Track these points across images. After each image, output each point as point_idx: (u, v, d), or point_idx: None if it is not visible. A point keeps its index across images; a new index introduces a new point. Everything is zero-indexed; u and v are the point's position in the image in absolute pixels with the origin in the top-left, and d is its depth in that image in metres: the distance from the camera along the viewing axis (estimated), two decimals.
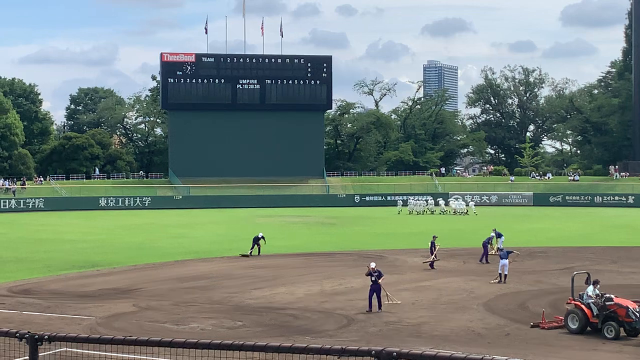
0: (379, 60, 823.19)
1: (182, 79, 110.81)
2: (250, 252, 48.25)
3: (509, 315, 29.20)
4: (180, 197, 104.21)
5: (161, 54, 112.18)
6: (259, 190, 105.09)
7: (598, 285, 27.17)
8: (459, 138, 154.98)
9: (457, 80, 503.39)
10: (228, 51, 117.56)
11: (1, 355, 9.93)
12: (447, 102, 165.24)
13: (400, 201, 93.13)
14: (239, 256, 47.78)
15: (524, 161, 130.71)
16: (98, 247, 54.20)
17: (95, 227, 71.99)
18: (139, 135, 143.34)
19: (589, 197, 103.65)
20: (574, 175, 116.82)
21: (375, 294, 29.88)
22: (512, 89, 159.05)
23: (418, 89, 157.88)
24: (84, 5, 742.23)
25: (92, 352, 11.09)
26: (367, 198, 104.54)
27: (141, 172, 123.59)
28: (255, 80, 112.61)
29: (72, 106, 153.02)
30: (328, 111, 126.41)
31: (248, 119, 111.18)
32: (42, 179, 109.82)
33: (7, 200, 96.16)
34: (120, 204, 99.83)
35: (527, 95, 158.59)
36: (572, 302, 26.82)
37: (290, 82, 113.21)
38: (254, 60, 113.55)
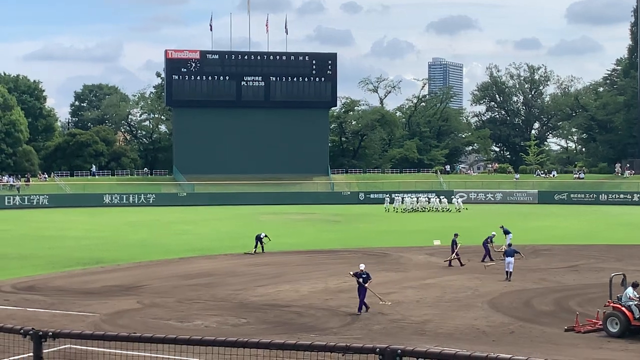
0: (384, 57, 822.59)
1: (187, 76, 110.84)
2: (255, 250, 48.25)
3: (513, 313, 29.16)
4: (185, 194, 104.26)
5: (166, 50, 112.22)
6: (263, 187, 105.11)
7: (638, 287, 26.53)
8: (463, 136, 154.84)
9: (462, 77, 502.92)
10: (233, 48, 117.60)
11: (6, 351, 9.92)
12: (452, 100, 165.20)
13: (388, 199, 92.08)
14: (242, 254, 47.74)
15: (529, 159, 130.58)
16: (102, 244, 54.24)
17: (99, 224, 72.05)
18: (144, 132, 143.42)
19: (594, 195, 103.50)
20: (579, 173, 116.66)
21: (360, 295, 29.11)
22: (517, 86, 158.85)
23: (423, 87, 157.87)
24: (88, 2, 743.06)
25: (96, 348, 11.10)
26: (372, 195, 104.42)
27: (145, 169, 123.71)
28: (260, 78, 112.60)
29: (77, 103, 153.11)
30: (333, 108, 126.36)
31: (252, 116, 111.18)
32: (46, 175, 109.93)
33: (12, 197, 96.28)
34: (124, 201, 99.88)
35: (533, 92, 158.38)
36: (611, 304, 25.94)
37: (295, 79, 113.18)
38: (258, 58, 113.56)
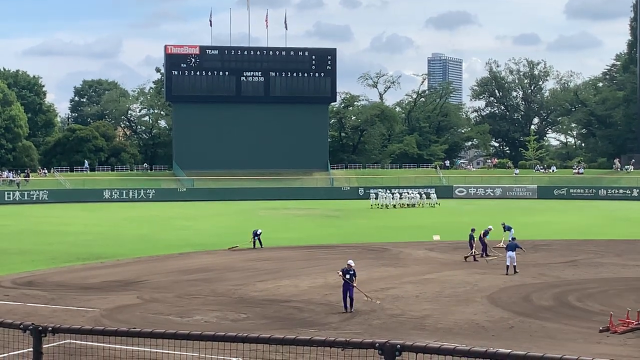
0: (383, 52, 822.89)
1: (187, 72, 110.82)
2: (254, 245, 48.25)
3: (512, 308, 29.19)
4: (184, 189, 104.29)
5: (165, 46, 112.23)
6: (263, 182, 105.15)
7: None
8: (463, 131, 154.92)
9: (462, 73, 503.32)
10: (232, 43, 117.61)
11: (5, 346, 9.95)
12: (451, 95, 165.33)
13: (374, 195, 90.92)
14: (237, 248, 47.65)
15: (528, 154, 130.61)
16: (102, 239, 54.26)
17: (99, 219, 72.08)
18: (143, 128, 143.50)
19: (594, 190, 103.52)
20: (579, 168, 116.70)
21: (347, 293, 28.63)
22: (517, 81, 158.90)
23: (422, 82, 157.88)
24: None
25: (96, 344, 11.11)
26: (372, 191, 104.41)
27: (145, 164, 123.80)
28: (260, 73, 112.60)
29: (76, 98, 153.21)
30: (332, 104, 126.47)
31: (252, 111, 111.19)
32: (46, 171, 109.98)
33: (11, 192, 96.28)
34: (124, 196, 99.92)
35: (532, 88, 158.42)
36: None
37: (295, 74, 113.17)
38: (258, 53, 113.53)
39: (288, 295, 31.75)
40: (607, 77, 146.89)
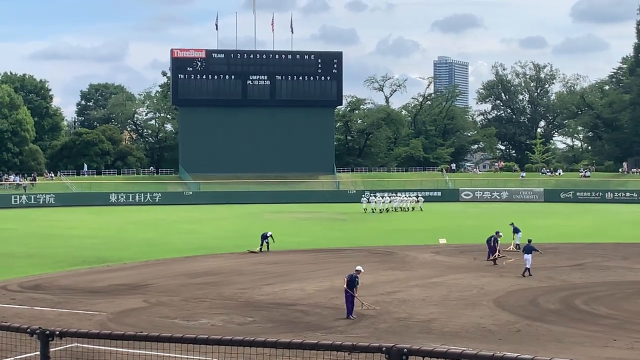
0: (389, 56, 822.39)
1: (193, 75, 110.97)
2: (260, 249, 48.27)
3: (519, 311, 29.12)
4: (191, 192, 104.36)
5: (171, 50, 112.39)
6: (269, 186, 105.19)
7: None
8: (469, 134, 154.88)
9: (468, 76, 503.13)
10: (238, 47, 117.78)
11: (13, 350, 9.95)
12: (457, 98, 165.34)
13: (366, 199, 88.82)
14: (247, 252, 47.76)
15: (534, 157, 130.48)
16: (108, 242, 54.30)
17: (105, 222, 72.16)
18: (150, 131, 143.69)
19: (600, 194, 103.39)
20: (585, 172, 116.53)
21: (349, 299, 28.34)
22: (523, 85, 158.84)
23: (428, 85, 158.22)
24: (94, 2, 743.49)
25: (103, 347, 11.13)
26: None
27: (151, 167, 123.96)
28: (266, 76, 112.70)
29: (83, 102, 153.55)
30: (338, 107, 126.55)
31: (258, 114, 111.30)
32: (52, 174, 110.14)
33: (18, 196, 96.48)
34: (130, 200, 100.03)
35: (538, 91, 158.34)
36: None
37: (301, 78, 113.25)
38: (264, 56, 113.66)
39: (294, 299, 31.72)
40: (614, 80, 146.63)
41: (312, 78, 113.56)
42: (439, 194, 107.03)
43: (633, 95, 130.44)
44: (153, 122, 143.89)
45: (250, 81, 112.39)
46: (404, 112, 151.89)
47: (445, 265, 42.01)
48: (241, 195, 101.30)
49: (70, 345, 11.32)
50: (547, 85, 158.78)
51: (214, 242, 53.84)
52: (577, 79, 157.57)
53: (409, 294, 32.75)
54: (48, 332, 7.26)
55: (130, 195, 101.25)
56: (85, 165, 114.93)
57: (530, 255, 37.78)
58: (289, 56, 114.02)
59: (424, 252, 47.94)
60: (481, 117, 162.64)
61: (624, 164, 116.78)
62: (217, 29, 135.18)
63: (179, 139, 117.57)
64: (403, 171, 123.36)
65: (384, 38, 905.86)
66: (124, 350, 16.90)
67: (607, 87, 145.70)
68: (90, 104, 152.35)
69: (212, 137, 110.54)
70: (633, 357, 22.27)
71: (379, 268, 40.31)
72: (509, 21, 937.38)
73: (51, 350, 7.37)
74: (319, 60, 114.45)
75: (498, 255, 42.48)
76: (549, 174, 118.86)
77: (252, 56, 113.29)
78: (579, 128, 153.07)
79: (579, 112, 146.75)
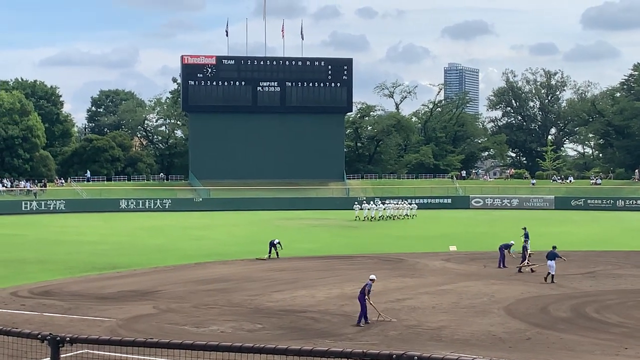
0: (399, 62, 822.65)
1: (203, 81, 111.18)
2: (269, 256, 48.25)
3: (530, 319, 29.03)
4: (201, 199, 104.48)
5: (182, 56, 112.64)
6: (279, 192, 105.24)
7: None
8: (479, 141, 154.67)
9: (478, 82, 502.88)
10: (248, 53, 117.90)
11: (23, 356, 9.96)
12: (468, 105, 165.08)
13: (358, 206, 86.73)
14: (254, 259, 47.67)
15: (545, 164, 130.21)
16: (118, 249, 54.39)
17: (115, 229, 72.30)
18: (160, 138, 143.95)
19: (611, 201, 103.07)
20: (596, 179, 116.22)
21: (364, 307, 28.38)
22: (534, 91, 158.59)
23: (439, 92, 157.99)
24: (104, 8, 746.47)
25: (113, 354, 11.11)
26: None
27: (161, 174, 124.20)
28: (276, 83, 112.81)
29: (93, 108, 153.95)
30: (348, 114, 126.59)
31: (268, 121, 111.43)
32: (63, 180, 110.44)
33: (29, 202, 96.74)
34: (140, 206, 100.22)
35: (549, 98, 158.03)
36: None
37: (311, 84, 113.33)
38: (274, 63, 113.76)
39: (304, 306, 31.69)
40: (625, 87, 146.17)
41: (322, 84, 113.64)
42: (449, 200, 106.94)
43: None
44: (163, 128, 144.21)
45: (260, 87, 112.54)
46: (414, 118, 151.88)
47: (455, 273, 41.93)
48: (251, 202, 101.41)
49: (80, 351, 11.30)
50: (557, 92, 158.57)
51: (223, 249, 53.87)
52: (588, 85, 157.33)
53: (419, 301, 32.70)
54: (59, 338, 7.26)
55: (140, 201, 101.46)
56: (89, 172, 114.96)
57: (553, 261, 37.78)
58: (299, 62, 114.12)
59: (434, 259, 47.87)
60: (492, 124, 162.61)
61: (636, 172, 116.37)
62: (227, 35, 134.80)
63: (189, 146, 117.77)
64: (413, 178, 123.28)
65: (394, 44, 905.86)
66: (133, 356, 16.91)
67: (618, 94, 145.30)
68: (101, 110, 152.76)
69: (222, 143, 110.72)
70: None
71: (389, 275, 40.26)
72: (520, 28, 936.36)
73: (61, 356, 7.36)
74: (329, 67, 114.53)
75: (527, 263, 42.20)
76: (560, 181, 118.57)
77: (262, 62, 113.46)
78: (590, 135, 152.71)
79: (590, 119, 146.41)
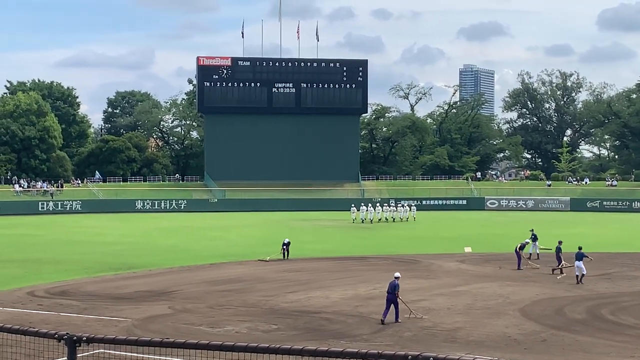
0: (414, 64, 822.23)
1: (218, 83, 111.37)
2: (284, 256, 48.28)
3: (545, 321, 28.95)
4: (216, 200, 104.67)
5: (197, 57, 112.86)
6: (294, 193, 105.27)
7: None
8: (495, 142, 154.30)
9: (494, 84, 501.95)
10: (264, 55, 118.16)
11: (40, 355, 10.03)
12: (483, 106, 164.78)
13: (355, 209, 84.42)
14: (267, 260, 47.65)
15: (561, 166, 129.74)
16: (134, 249, 54.55)
17: (131, 229, 72.51)
18: (175, 139, 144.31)
19: (627, 203, 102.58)
20: (612, 181, 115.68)
21: (392, 304, 28.56)
22: (549, 93, 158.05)
23: (454, 93, 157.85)
24: (120, 10, 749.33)
25: (129, 353, 11.18)
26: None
27: (177, 175, 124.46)
28: (291, 84, 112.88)
29: (110, 109, 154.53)
30: (363, 115, 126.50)
31: (283, 122, 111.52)
32: (79, 181, 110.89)
33: (45, 202, 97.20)
34: (156, 207, 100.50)
35: (565, 99, 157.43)
36: None
37: (326, 85, 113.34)
38: (289, 64, 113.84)
39: (319, 307, 31.70)
40: None
41: (337, 86, 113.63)
42: (465, 202, 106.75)
43: None
44: (179, 129, 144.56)
45: (275, 89, 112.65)
46: (429, 120, 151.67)
47: (470, 274, 41.85)
48: (266, 203, 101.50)
49: (95, 351, 11.40)
50: (573, 94, 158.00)
51: (238, 250, 53.95)
52: (604, 87, 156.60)
53: (434, 302, 32.66)
54: (76, 338, 7.31)
55: (156, 202, 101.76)
56: (97, 173, 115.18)
57: (581, 262, 37.73)
58: (315, 64, 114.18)
59: (449, 260, 47.79)
60: (507, 125, 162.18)
61: None
62: (242, 36, 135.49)
63: (205, 147, 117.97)
64: (428, 179, 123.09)
65: (409, 46, 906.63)
66: (149, 356, 16.99)
67: (634, 96, 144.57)
68: (117, 111, 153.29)
69: (237, 144, 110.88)
70: None
71: (404, 276, 40.06)
72: (535, 29, 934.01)
73: (78, 356, 7.42)
74: (345, 68, 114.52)
75: (564, 265, 41.91)
76: (575, 182, 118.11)
77: (277, 64, 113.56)
78: (606, 137, 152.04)
79: (606, 121, 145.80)
